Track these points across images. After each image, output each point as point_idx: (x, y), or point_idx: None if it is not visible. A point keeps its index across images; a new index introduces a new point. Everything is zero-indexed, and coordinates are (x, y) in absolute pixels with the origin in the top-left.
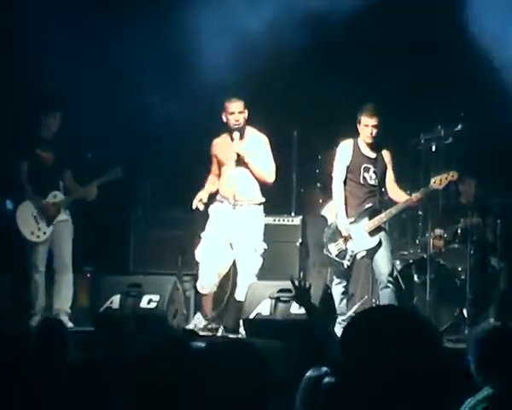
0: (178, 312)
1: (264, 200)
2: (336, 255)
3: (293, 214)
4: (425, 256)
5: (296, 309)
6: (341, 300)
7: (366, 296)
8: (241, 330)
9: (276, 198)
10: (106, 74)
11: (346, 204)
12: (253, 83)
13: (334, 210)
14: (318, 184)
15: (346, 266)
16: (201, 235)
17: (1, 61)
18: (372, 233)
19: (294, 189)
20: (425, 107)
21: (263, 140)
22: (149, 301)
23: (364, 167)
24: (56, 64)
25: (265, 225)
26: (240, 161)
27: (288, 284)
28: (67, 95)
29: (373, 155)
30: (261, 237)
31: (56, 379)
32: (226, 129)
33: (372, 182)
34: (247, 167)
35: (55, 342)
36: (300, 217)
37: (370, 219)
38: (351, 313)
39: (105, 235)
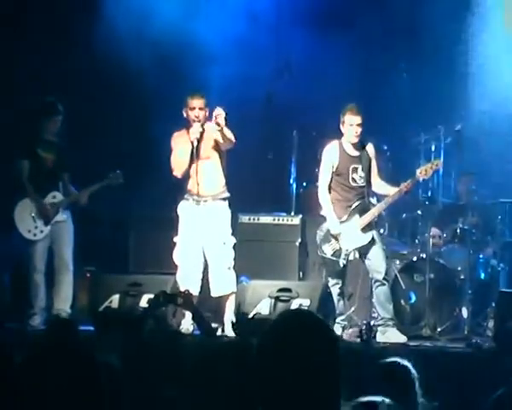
0: (177, 311)
1: (229, 195)
2: (332, 255)
3: (292, 214)
4: (424, 256)
5: None
6: (338, 300)
7: (365, 296)
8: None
9: (275, 198)
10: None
11: (336, 206)
12: (254, 82)
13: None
14: (318, 184)
15: (341, 265)
16: (175, 239)
17: (2, 62)
18: (364, 230)
19: (294, 188)
20: (425, 106)
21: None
22: (149, 301)
23: (353, 168)
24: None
25: (265, 225)
26: (199, 147)
27: (287, 284)
28: (67, 95)
29: (357, 153)
30: (229, 230)
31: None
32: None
33: (361, 183)
34: (210, 139)
35: (67, 343)
36: (300, 216)
37: (361, 216)
38: (349, 312)
39: (105, 235)
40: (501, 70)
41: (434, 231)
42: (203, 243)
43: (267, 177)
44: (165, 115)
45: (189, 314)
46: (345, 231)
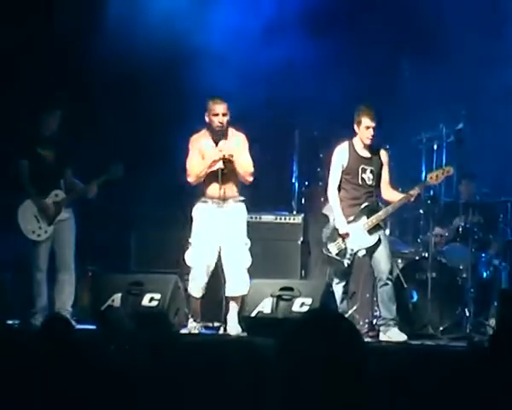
0: (180, 310)
1: (243, 198)
2: (336, 254)
3: (294, 213)
4: (426, 255)
5: (298, 307)
6: (342, 299)
7: (368, 295)
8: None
9: (277, 197)
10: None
11: (344, 204)
12: (254, 81)
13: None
14: (320, 183)
15: (346, 265)
16: (190, 240)
17: (2, 59)
18: (371, 231)
19: (296, 187)
20: (427, 105)
21: (243, 140)
22: (151, 300)
23: (362, 168)
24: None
25: (267, 224)
26: (226, 164)
27: (289, 283)
28: (69, 93)
29: (369, 154)
30: (246, 233)
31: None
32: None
33: (370, 182)
34: (232, 167)
35: (60, 340)
36: (302, 215)
37: (368, 217)
38: (352, 311)
39: (107, 234)
40: (503, 69)
41: (437, 229)
42: (222, 244)
43: (269, 176)
44: (168, 114)
45: (197, 314)
46: (351, 232)
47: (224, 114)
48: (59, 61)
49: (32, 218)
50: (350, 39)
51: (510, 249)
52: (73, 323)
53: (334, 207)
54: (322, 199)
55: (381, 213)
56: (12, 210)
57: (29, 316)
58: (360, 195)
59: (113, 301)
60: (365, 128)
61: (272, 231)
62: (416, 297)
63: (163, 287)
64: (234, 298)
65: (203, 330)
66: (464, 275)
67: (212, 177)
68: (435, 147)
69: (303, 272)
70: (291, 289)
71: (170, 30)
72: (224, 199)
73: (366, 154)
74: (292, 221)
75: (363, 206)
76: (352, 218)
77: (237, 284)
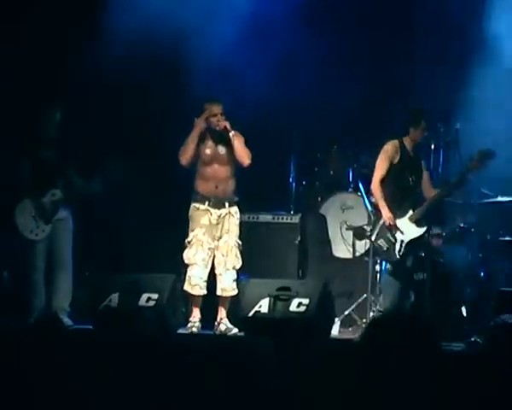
0: (177, 310)
1: (238, 199)
2: (387, 249)
3: (292, 213)
4: (424, 255)
5: (295, 307)
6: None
7: (365, 295)
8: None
9: (274, 196)
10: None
11: (389, 201)
12: (254, 80)
13: (338, 205)
14: (317, 183)
15: (398, 256)
16: (187, 240)
17: (3, 58)
18: (417, 223)
19: (293, 187)
20: (425, 105)
21: (239, 133)
22: (148, 300)
23: (408, 169)
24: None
25: (264, 224)
26: (222, 139)
27: (286, 283)
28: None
29: (415, 156)
30: (238, 234)
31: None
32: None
33: (412, 184)
34: (230, 145)
35: (50, 339)
36: (299, 215)
37: (414, 210)
38: (349, 311)
39: (104, 233)
40: (502, 68)
41: (437, 229)
42: (217, 243)
43: (266, 176)
44: (167, 115)
45: (196, 314)
46: (400, 225)
47: (221, 114)
48: (59, 61)
49: (30, 217)
50: (349, 39)
51: (508, 249)
52: (71, 322)
53: (378, 199)
54: (320, 199)
55: (426, 204)
56: (9, 209)
57: (26, 316)
58: (401, 194)
59: (110, 300)
60: (422, 131)
61: (269, 231)
62: (413, 297)
63: (161, 287)
64: (223, 298)
65: (202, 330)
66: (462, 275)
67: (207, 176)
68: (432, 146)
69: (300, 271)
70: (288, 289)
71: (168, 29)
72: (219, 199)
73: (415, 155)
74: (289, 221)
75: (407, 201)
76: (398, 213)
77: (226, 284)
